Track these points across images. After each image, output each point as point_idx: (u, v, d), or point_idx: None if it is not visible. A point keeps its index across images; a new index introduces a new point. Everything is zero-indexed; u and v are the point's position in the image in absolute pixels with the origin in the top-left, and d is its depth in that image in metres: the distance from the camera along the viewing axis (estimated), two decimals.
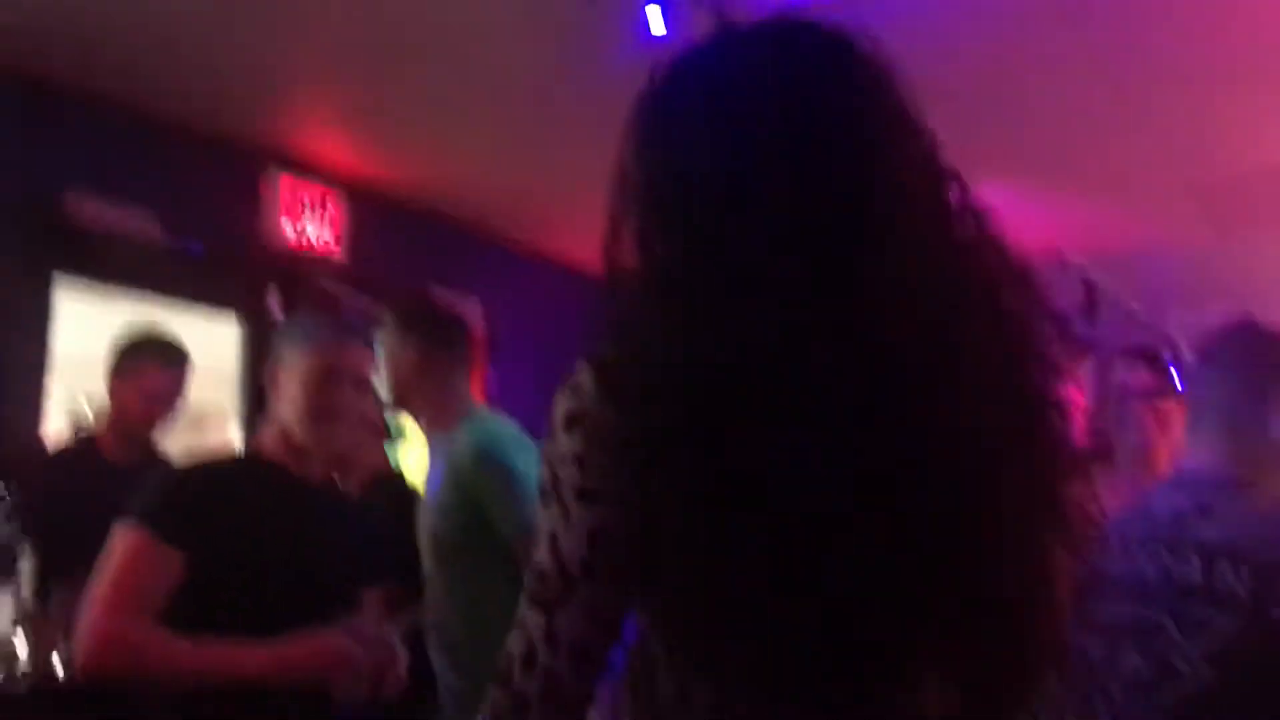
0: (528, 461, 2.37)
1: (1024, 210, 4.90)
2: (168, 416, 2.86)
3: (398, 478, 3.14)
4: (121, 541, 1.84)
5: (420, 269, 4.70)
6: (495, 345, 4.70)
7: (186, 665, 1.82)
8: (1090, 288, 5.81)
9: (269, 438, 2.05)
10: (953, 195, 1.00)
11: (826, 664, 0.89)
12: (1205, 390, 1.96)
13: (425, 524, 2.51)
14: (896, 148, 0.96)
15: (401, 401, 2.63)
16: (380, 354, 2.57)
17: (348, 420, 2.05)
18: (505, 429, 2.53)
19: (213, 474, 1.99)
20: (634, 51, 3.42)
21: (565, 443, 0.98)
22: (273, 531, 1.96)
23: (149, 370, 2.78)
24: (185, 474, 2.00)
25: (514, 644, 1.01)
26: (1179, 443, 2.79)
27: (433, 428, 2.57)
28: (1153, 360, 2.69)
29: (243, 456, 2.09)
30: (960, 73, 3.58)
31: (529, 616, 1.00)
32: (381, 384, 2.56)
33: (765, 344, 0.87)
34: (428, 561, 2.49)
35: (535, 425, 3.72)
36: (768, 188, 0.92)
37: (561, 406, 1.01)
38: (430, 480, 2.54)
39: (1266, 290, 6.19)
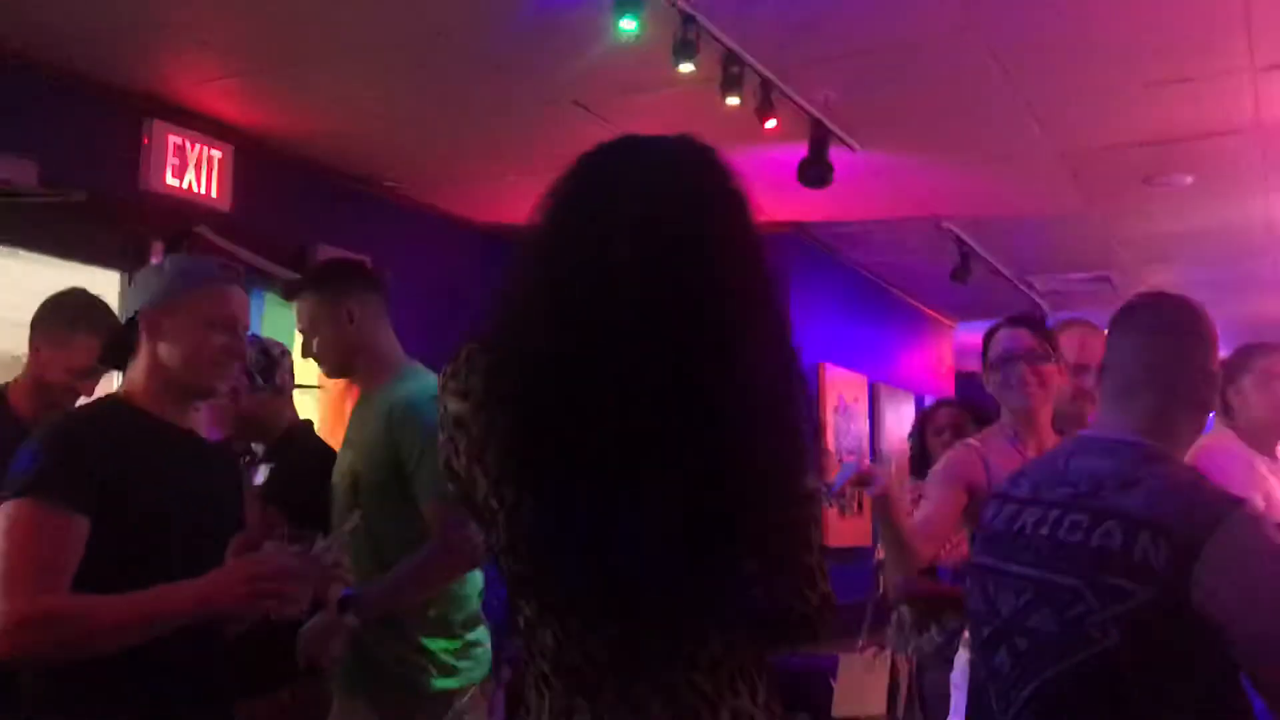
0: None
1: (902, 176, 5.05)
2: (90, 389, 2.80)
3: (306, 432, 3.11)
4: (13, 518, 1.73)
5: (306, 223, 4.65)
6: (386, 297, 4.67)
7: (122, 621, 1.74)
8: (964, 252, 6.02)
9: (141, 382, 1.97)
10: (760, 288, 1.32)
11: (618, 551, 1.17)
12: (1119, 357, 1.99)
13: (346, 463, 2.55)
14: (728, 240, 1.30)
15: (342, 367, 2.64)
16: (303, 324, 2.58)
17: (234, 365, 2.04)
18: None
19: (98, 429, 1.90)
20: (520, 8, 3.44)
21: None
22: (167, 481, 1.92)
23: (80, 343, 2.69)
24: (68, 433, 1.88)
25: None
26: (1060, 405, 2.94)
27: (371, 384, 2.60)
28: (1033, 323, 2.80)
29: (118, 405, 1.97)
30: (844, 43, 3.68)
31: None
32: (322, 352, 2.57)
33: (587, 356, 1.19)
34: (342, 501, 2.52)
35: (426, 362, 3.68)
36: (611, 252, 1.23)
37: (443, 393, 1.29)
38: (359, 425, 2.57)
39: (1128, 253, 6.49)
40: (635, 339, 1.20)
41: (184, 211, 4.14)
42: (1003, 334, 2.77)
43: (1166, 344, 1.97)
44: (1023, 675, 1.83)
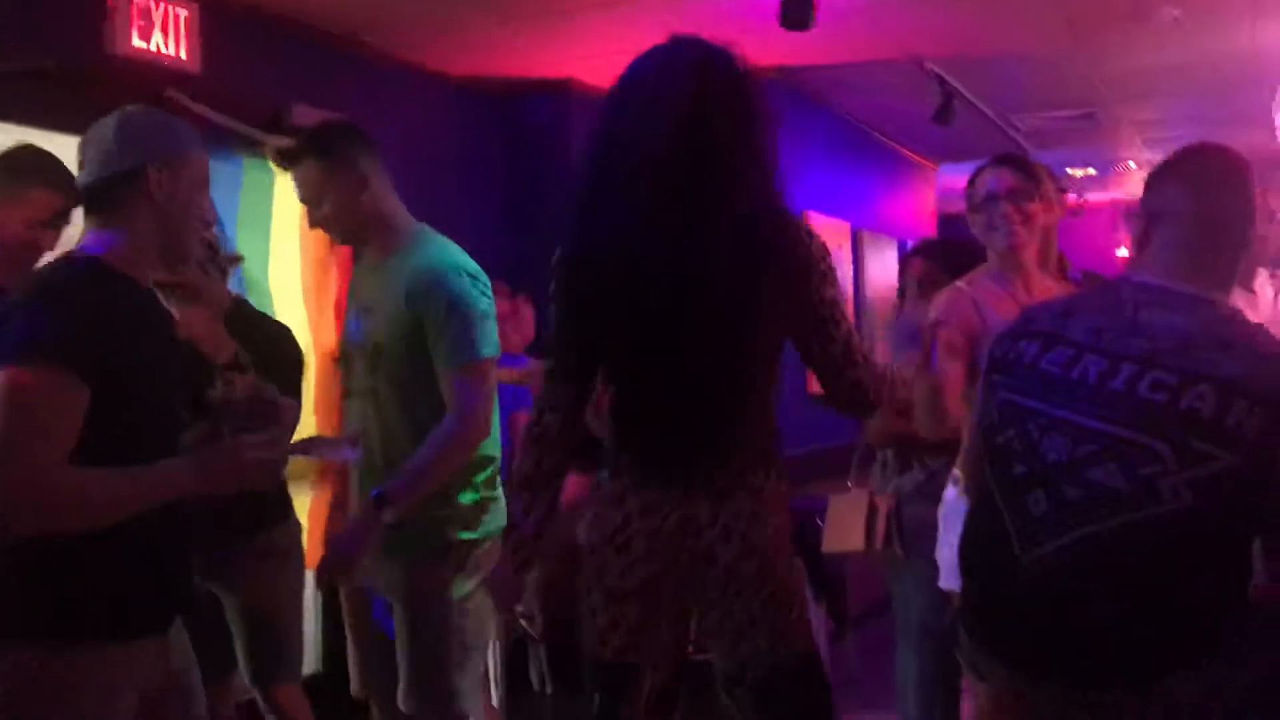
0: (475, 291, 2.48)
1: (885, 16, 4.95)
2: (52, 242, 2.76)
3: (245, 306, 3.09)
4: (18, 382, 1.68)
5: (279, 83, 4.55)
6: None
7: (122, 498, 1.75)
8: (947, 93, 5.94)
9: (124, 241, 1.89)
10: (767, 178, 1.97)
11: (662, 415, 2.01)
12: (1175, 205, 1.94)
13: (367, 330, 2.56)
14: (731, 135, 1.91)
15: (356, 234, 2.61)
16: (308, 192, 2.53)
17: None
18: (456, 254, 2.56)
19: (96, 294, 1.82)
20: None
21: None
22: (156, 346, 1.92)
23: (36, 197, 2.65)
24: (71, 297, 1.80)
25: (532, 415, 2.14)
26: (1045, 243, 2.95)
27: (385, 251, 2.57)
28: (1018, 162, 2.80)
29: (101, 267, 1.87)
30: None
31: (539, 397, 2.13)
32: (334, 220, 2.53)
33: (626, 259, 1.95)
34: (363, 370, 2.56)
35: None
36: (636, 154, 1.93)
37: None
38: (378, 293, 2.56)
39: (1112, 90, 6.42)
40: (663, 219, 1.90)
41: (153, 75, 4.04)
42: (987, 175, 2.77)
43: (1235, 198, 1.94)
44: (1065, 520, 1.82)
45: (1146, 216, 1.97)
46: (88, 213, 1.94)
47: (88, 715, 1.77)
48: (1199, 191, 1.94)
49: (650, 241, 1.93)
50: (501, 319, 4.25)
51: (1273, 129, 6.03)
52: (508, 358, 4.94)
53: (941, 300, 2.75)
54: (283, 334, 3.05)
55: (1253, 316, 3.04)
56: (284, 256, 4.27)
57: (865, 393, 2.08)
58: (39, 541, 1.74)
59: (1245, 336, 1.81)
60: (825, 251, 2.04)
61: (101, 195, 1.91)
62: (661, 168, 1.90)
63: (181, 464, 1.84)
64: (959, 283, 2.78)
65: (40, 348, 1.70)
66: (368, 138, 2.64)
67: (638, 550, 1.98)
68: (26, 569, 1.76)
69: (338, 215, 2.55)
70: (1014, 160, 2.78)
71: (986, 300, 2.67)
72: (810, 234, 2.04)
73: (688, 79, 1.91)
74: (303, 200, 2.60)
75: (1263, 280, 3.56)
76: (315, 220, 2.60)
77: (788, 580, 2.07)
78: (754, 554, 1.99)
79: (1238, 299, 2.99)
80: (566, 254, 2.09)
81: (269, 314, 3.30)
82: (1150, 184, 2.00)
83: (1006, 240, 2.69)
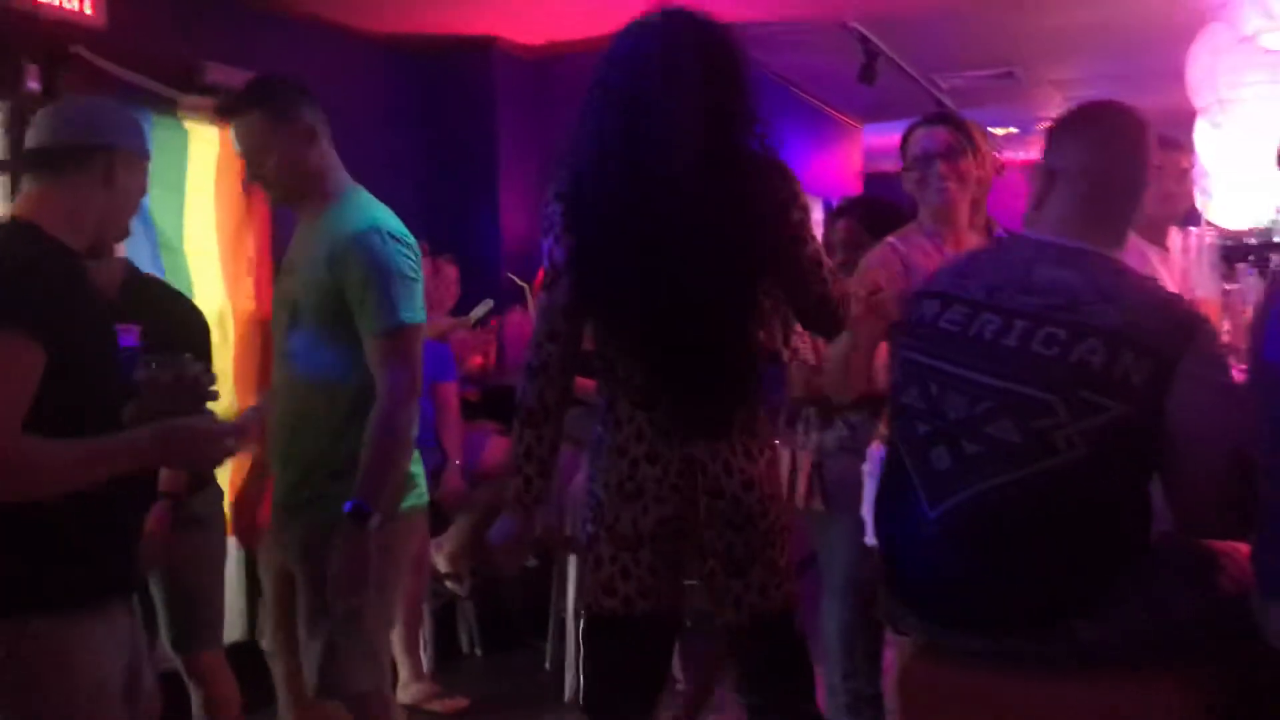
0: (398, 254, 2.43)
1: None
2: None
3: (146, 287, 3.03)
4: None
5: (191, 40, 4.42)
6: None
7: (73, 470, 1.75)
8: (870, 52, 5.97)
9: (62, 215, 1.89)
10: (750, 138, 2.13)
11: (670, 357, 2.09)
12: (1069, 162, 1.99)
13: (286, 290, 2.53)
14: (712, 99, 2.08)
15: (297, 192, 2.54)
16: (249, 145, 2.48)
17: None
18: (380, 215, 2.51)
19: (44, 263, 1.83)
20: None
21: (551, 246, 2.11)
22: (96, 316, 1.92)
23: None
24: (21, 263, 1.80)
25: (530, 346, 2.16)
26: (977, 200, 2.98)
27: (317, 209, 2.52)
28: (951, 120, 2.82)
29: (41, 236, 1.87)
30: None
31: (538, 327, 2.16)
32: (277, 176, 2.48)
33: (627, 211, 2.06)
34: (281, 329, 2.54)
35: None
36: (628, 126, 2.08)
37: (546, 227, 2.13)
38: (302, 252, 2.53)
39: (1031, 48, 6.49)
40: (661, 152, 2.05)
41: (58, 31, 3.91)
42: (920, 133, 2.79)
43: (1126, 154, 1.99)
44: (967, 475, 1.88)
45: (1043, 174, 2.02)
46: (33, 172, 1.95)
47: (84, 682, 1.78)
48: (1092, 149, 1.98)
49: (669, 194, 2.05)
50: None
51: (1178, 88, 6.13)
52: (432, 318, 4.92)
53: (873, 258, 2.78)
54: (185, 312, 3.01)
55: (1165, 273, 3.13)
56: (199, 218, 4.16)
57: (833, 308, 2.21)
58: (3, 515, 1.72)
59: (1133, 290, 1.87)
60: (796, 181, 2.20)
61: (56, 161, 1.91)
62: (686, 128, 2.05)
63: (142, 435, 1.83)
64: (891, 238, 2.80)
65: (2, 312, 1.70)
66: (311, 92, 2.58)
67: (649, 495, 2.06)
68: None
69: (280, 171, 2.49)
70: (948, 118, 2.81)
71: (916, 257, 2.71)
72: (786, 170, 2.20)
73: (695, 51, 2.10)
74: (243, 154, 2.53)
75: (1175, 237, 3.63)
76: (254, 176, 2.54)
77: (780, 519, 2.18)
78: (753, 486, 2.10)
79: (1151, 255, 3.07)
80: (586, 198, 2.12)
81: (173, 285, 3.25)
82: (1047, 142, 2.05)
83: (940, 197, 2.72)
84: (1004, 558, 1.86)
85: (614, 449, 2.09)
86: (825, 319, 2.25)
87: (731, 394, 2.15)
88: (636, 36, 2.17)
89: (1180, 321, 1.84)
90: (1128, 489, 1.86)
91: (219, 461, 2.03)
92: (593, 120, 2.12)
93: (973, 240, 2.77)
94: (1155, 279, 1.97)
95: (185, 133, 4.08)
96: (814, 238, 2.21)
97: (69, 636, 1.78)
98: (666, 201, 2.03)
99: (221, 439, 1.91)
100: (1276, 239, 9.29)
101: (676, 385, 2.09)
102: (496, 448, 4.54)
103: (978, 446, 1.86)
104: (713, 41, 2.14)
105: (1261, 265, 4.74)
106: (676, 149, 2.05)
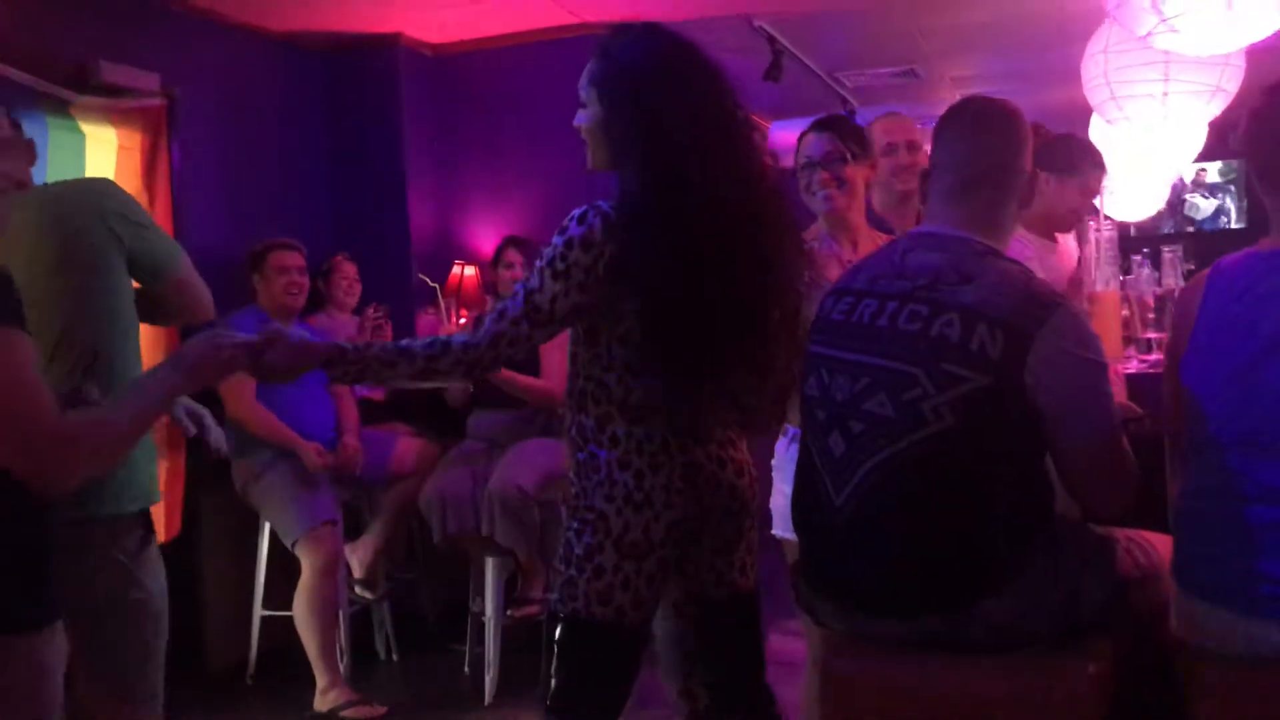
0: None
1: None
2: None
3: None
4: (13, 342, 1.69)
5: (85, 39, 4.30)
6: (177, 121, 4.41)
7: (136, 424, 1.87)
8: (776, 50, 6.03)
9: None
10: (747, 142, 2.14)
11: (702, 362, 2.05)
12: (948, 157, 2.10)
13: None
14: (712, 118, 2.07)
15: None
16: None
17: None
18: None
19: None
20: None
21: (576, 248, 2.00)
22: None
23: None
24: None
25: (500, 316, 2.05)
26: (885, 187, 3.05)
27: None
28: (837, 125, 2.84)
29: None
30: None
31: (509, 308, 2.05)
32: None
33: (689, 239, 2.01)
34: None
35: (225, 200, 3.56)
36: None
37: (580, 230, 2.01)
38: None
39: (932, 46, 6.62)
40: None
41: None
42: (806, 139, 2.84)
43: (993, 145, 2.10)
44: (856, 456, 1.96)
45: (925, 171, 2.17)
46: None
47: (50, 698, 1.80)
48: (961, 140, 2.10)
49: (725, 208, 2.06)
50: (286, 288, 4.22)
51: (1074, 85, 6.30)
52: (323, 320, 4.86)
53: None
54: None
55: (1051, 261, 3.23)
56: None
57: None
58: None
59: (992, 271, 1.97)
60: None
61: None
62: (734, 133, 2.11)
63: (163, 369, 1.95)
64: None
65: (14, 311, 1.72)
66: None
67: (659, 503, 2.06)
68: None
69: None
70: (833, 124, 2.83)
71: (813, 262, 2.74)
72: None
73: (709, 64, 2.12)
74: None
75: (1068, 238, 3.72)
76: None
77: (758, 497, 2.24)
78: (743, 472, 2.18)
79: (1037, 247, 3.16)
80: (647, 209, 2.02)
81: None
82: (932, 140, 2.17)
83: (823, 205, 2.78)
84: (898, 537, 1.93)
85: (615, 463, 2.06)
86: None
87: (769, 398, 2.19)
88: (660, 50, 2.08)
89: (1037, 299, 1.92)
90: (1008, 464, 1.92)
91: (233, 371, 2.06)
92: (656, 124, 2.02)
93: (875, 240, 2.81)
94: (1021, 264, 2.05)
95: (81, 135, 3.97)
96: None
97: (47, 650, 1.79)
98: (720, 216, 2.02)
99: (230, 349, 1.99)
100: (1164, 231, 9.62)
101: (700, 394, 2.08)
102: (406, 450, 4.50)
103: (861, 424, 1.96)
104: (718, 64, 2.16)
105: (1154, 258, 4.91)
106: (734, 155, 2.08)
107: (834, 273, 2.57)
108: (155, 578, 2.35)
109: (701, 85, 2.07)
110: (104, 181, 2.58)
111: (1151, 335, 3.97)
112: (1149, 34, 3.16)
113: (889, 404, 1.93)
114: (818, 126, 2.81)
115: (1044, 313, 1.89)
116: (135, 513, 2.33)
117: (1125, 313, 4.06)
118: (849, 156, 2.73)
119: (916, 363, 1.91)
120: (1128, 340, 4.05)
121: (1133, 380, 3.42)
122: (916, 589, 1.92)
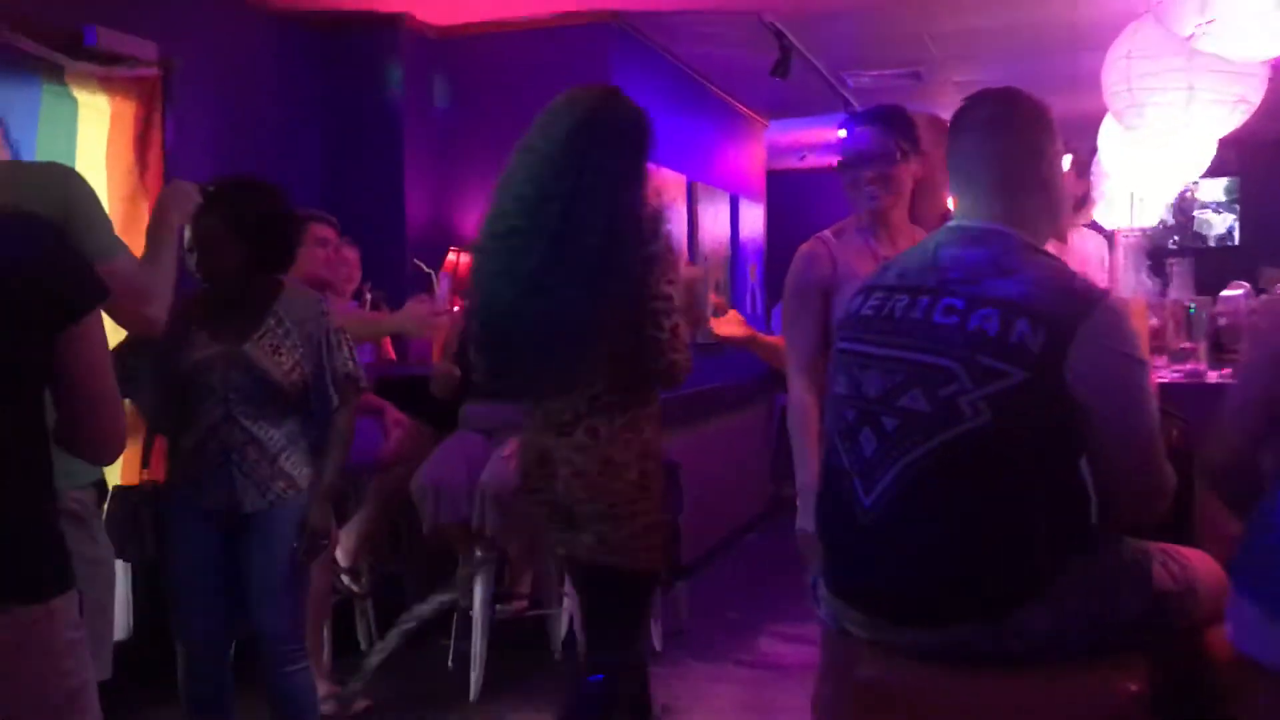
0: None
1: None
2: None
3: None
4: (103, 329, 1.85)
5: (75, 3, 4.17)
6: (173, 92, 4.30)
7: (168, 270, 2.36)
8: (785, 46, 5.95)
9: None
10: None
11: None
12: (967, 150, 2.05)
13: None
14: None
15: None
16: None
17: None
18: None
19: None
20: None
21: None
22: None
23: None
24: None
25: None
26: (910, 203, 2.96)
27: None
28: (885, 119, 2.71)
29: None
30: None
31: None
32: None
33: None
34: None
35: (217, 175, 3.46)
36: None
37: None
38: None
39: (938, 49, 6.57)
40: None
41: None
42: (852, 134, 2.72)
43: (1011, 134, 2.04)
44: (890, 454, 1.89)
45: (950, 168, 2.10)
46: None
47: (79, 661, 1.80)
48: (984, 134, 2.04)
49: None
50: (325, 261, 4.09)
51: (1081, 94, 6.26)
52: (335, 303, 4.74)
53: (801, 253, 2.75)
54: None
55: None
56: None
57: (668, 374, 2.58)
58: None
59: (1032, 265, 1.92)
60: None
61: None
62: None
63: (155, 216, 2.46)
64: (826, 232, 2.77)
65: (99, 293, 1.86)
66: None
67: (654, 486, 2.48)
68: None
69: None
70: (885, 117, 2.71)
71: (847, 254, 2.67)
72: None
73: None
74: None
75: (1080, 234, 3.66)
76: None
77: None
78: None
79: (1050, 246, 3.09)
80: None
81: None
82: (949, 138, 2.11)
83: (868, 203, 2.68)
84: (935, 541, 1.85)
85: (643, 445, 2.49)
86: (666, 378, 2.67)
87: None
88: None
89: (1080, 294, 1.88)
90: (1044, 466, 1.86)
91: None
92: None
93: (912, 236, 2.73)
94: (1055, 258, 2.00)
95: (74, 102, 3.85)
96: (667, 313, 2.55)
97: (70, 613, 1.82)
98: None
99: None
100: (1170, 244, 9.61)
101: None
102: (396, 437, 4.39)
103: (894, 420, 1.89)
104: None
105: (1156, 270, 4.86)
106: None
107: (867, 267, 2.48)
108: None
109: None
110: (66, 168, 2.48)
111: (1186, 345, 3.88)
112: (1190, 36, 3.08)
113: (924, 399, 1.86)
114: (863, 119, 2.71)
115: (1087, 307, 1.84)
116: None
117: (1155, 322, 3.97)
118: (899, 155, 2.63)
119: (952, 356, 1.85)
120: (1160, 349, 3.94)
121: (1165, 389, 3.34)
122: (950, 596, 1.85)
